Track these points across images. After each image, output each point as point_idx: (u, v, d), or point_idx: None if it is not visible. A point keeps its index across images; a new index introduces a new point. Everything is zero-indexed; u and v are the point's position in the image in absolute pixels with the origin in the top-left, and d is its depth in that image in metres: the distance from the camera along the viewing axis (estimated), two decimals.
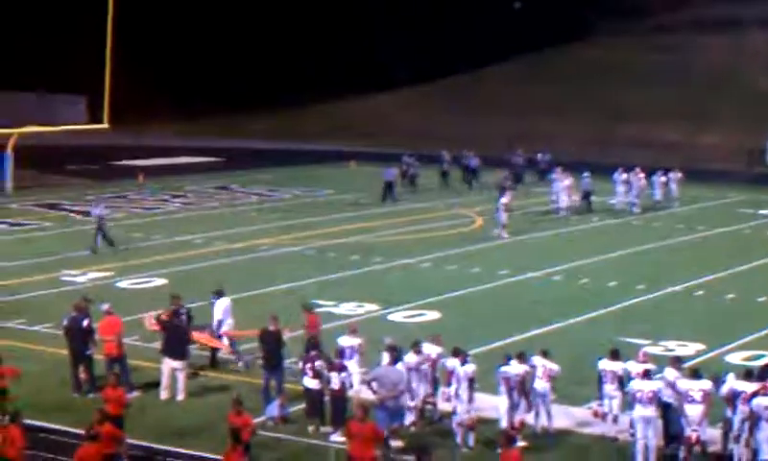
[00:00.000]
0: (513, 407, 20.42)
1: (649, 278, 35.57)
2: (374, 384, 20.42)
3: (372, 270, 37.28)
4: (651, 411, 19.59)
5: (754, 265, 38.65)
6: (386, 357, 20.99)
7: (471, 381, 20.52)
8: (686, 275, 36.10)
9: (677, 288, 34.37)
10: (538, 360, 21.17)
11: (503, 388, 20.54)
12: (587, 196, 50.68)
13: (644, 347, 25.11)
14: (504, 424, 20.31)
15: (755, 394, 18.98)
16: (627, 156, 68.06)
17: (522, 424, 20.51)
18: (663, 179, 52.85)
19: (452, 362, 20.84)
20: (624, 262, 39.01)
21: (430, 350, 21.79)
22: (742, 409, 19.13)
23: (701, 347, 27.16)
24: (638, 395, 19.66)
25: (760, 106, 77.36)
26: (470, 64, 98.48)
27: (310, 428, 21.30)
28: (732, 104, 78.92)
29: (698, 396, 19.38)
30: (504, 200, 44.41)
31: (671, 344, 27.24)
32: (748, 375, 19.74)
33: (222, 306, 25.55)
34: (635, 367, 20.62)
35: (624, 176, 51.37)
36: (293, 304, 28.49)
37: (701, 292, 34.03)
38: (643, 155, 68.83)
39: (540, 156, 62.17)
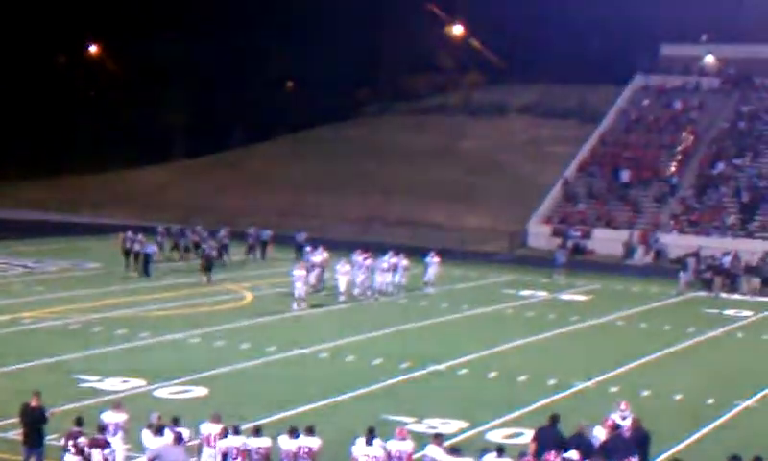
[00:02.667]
0: None
1: (414, 356, 36.18)
2: None
3: (139, 345, 36.79)
4: None
5: (515, 344, 39.80)
6: (169, 435, 20.68)
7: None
8: (450, 354, 36.87)
9: (441, 367, 35.07)
10: (303, 439, 21.24)
11: None
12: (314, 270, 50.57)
13: (409, 424, 25.64)
14: None
15: None
16: (394, 234, 69.47)
17: None
18: (427, 260, 52.67)
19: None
20: (389, 341, 39.60)
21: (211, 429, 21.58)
22: None
23: (463, 424, 27.78)
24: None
25: (523, 189, 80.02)
26: (243, 140, 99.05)
27: None
28: (496, 187, 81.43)
29: None
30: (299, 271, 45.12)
31: (435, 421, 27.78)
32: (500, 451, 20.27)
33: None
34: (396, 445, 20.95)
35: (394, 259, 50.39)
36: (55, 380, 27.73)
37: (464, 371, 34.81)
38: (409, 235, 70.37)
39: (296, 235, 62.07)
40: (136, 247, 53.77)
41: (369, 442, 20.62)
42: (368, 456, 20.40)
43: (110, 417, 22.09)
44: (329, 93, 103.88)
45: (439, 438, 21.22)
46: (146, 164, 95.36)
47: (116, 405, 22.77)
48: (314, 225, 70.83)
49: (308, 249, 52.24)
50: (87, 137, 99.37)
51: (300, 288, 45.42)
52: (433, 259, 52.38)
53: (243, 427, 21.79)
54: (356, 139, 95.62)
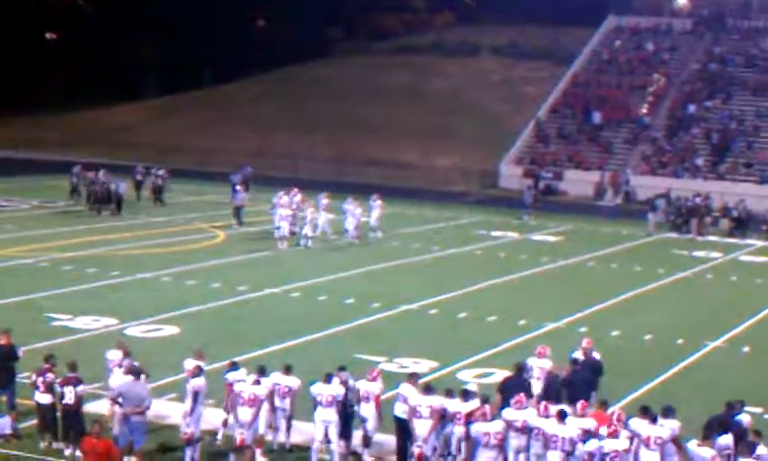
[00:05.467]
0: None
1: (385, 296, 36.29)
2: (120, 399, 20.14)
3: (110, 284, 36.74)
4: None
5: (485, 285, 39.96)
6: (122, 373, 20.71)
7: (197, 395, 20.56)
8: (421, 294, 37.00)
9: (412, 307, 35.21)
10: (278, 377, 21.32)
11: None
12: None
13: (380, 364, 25.79)
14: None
15: (470, 415, 19.64)
16: (366, 174, 69.46)
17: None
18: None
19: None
20: (361, 281, 39.69)
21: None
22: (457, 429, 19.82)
23: (434, 364, 27.92)
24: (318, 398, 20.43)
25: (495, 129, 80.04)
26: (215, 79, 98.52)
27: (42, 444, 20.86)
28: (468, 127, 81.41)
29: (426, 412, 19.96)
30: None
31: (406, 361, 27.91)
32: (464, 394, 20.37)
33: None
34: (365, 385, 21.08)
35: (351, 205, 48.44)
36: (26, 318, 27.65)
37: (435, 311, 34.96)
38: (379, 173, 70.36)
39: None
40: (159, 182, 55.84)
41: (327, 380, 20.76)
42: (322, 394, 20.55)
43: (115, 355, 22.02)
44: (300, 32, 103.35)
45: (413, 377, 21.33)
46: (116, 104, 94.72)
47: (119, 345, 22.69)
48: (284, 164, 70.74)
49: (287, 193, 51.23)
50: (58, 77, 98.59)
51: (284, 228, 45.48)
52: (376, 202, 50.15)
53: (214, 366, 21.86)
54: (327, 78, 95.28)
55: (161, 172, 57.97)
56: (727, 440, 18.87)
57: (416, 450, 19.94)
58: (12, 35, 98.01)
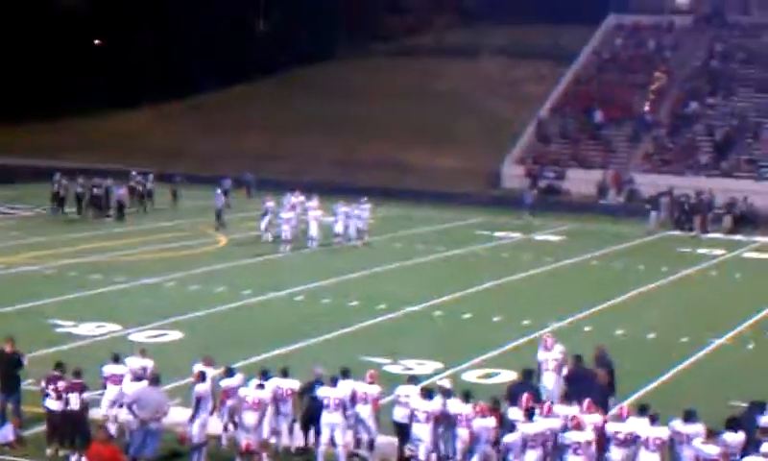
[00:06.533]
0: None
1: (389, 298, 36.29)
2: (135, 407, 20.16)
3: (114, 289, 36.77)
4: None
5: (489, 285, 39.97)
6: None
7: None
8: (425, 295, 37.00)
9: (416, 308, 35.21)
10: (278, 381, 21.34)
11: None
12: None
13: (385, 365, 25.84)
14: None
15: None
16: (372, 177, 69.44)
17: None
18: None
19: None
20: (365, 283, 39.69)
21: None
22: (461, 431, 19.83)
23: (438, 365, 27.93)
24: (325, 401, 20.49)
25: (497, 131, 79.93)
26: (217, 83, 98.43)
27: (48, 451, 20.88)
28: (470, 128, 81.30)
29: (422, 416, 19.94)
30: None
31: (410, 362, 27.92)
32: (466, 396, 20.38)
33: None
34: (363, 387, 21.11)
35: (344, 208, 48.07)
36: (30, 325, 27.66)
37: (439, 312, 34.96)
38: (383, 176, 70.35)
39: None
40: (78, 190, 54.38)
41: (333, 384, 20.81)
42: (329, 397, 20.59)
43: (135, 362, 22.05)
44: (302, 34, 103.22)
45: (413, 380, 21.36)
46: (118, 109, 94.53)
47: (142, 351, 22.72)
48: (289, 168, 70.76)
49: (293, 195, 51.04)
50: (61, 81, 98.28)
51: (286, 231, 45.56)
52: (363, 206, 48.91)
53: (220, 371, 21.89)
54: (329, 80, 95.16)
55: (150, 177, 58.03)
56: (737, 438, 18.79)
57: (407, 452, 20.03)
58: (18, 41, 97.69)
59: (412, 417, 20.07)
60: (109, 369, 21.78)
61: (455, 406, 20.03)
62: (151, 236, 48.32)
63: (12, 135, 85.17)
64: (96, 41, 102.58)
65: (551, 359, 22.88)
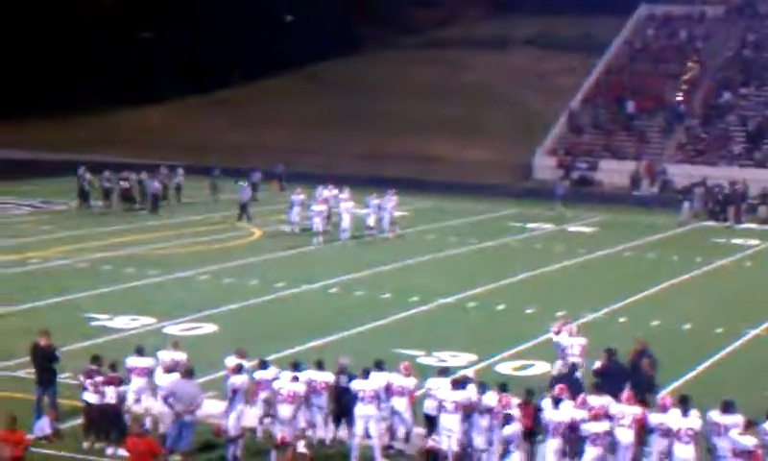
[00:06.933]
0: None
1: (422, 290, 36.23)
2: (171, 399, 20.19)
3: (148, 283, 36.85)
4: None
5: (522, 277, 39.86)
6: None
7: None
8: (458, 287, 36.92)
9: (449, 300, 35.14)
10: (311, 373, 21.29)
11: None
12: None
13: (418, 358, 25.78)
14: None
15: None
16: (402, 169, 69.39)
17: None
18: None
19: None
20: (398, 275, 39.63)
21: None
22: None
23: (473, 357, 27.85)
24: (360, 394, 20.44)
25: (528, 122, 79.72)
26: (245, 77, 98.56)
27: (85, 444, 20.93)
28: (501, 120, 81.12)
29: (450, 406, 19.82)
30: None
31: (444, 355, 27.85)
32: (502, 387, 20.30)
33: None
34: (399, 380, 21.05)
35: (376, 201, 47.97)
36: (65, 319, 27.73)
37: (473, 304, 34.88)
38: (412, 168, 70.30)
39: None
40: (106, 184, 54.68)
41: (365, 376, 20.77)
42: (364, 390, 20.53)
43: (168, 355, 22.07)
44: (329, 28, 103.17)
45: (443, 373, 21.28)
46: (144, 104, 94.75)
47: (175, 344, 22.75)
48: (318, 162, 70.80)
49: (326, 188, 50.93)
50: (87, 77, 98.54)
51: (318, 223, 45.61)
52: (390, 197, 48.45)
53: (254, 363, 21.89)
54: (357, 74, 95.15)
55: (180, 170, 58.15)
56: None
57: (429, 443, 19.98)
58: (36, 37, 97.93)
59: (440, 408, 20.00)
60: (132, 361, 21.79)
61: (489, 399, 19.93)
62: (184, 229, 48.40)
63: (31, 131, 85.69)
64: (143, 35, 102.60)
65: (577, 345, 23.21)
